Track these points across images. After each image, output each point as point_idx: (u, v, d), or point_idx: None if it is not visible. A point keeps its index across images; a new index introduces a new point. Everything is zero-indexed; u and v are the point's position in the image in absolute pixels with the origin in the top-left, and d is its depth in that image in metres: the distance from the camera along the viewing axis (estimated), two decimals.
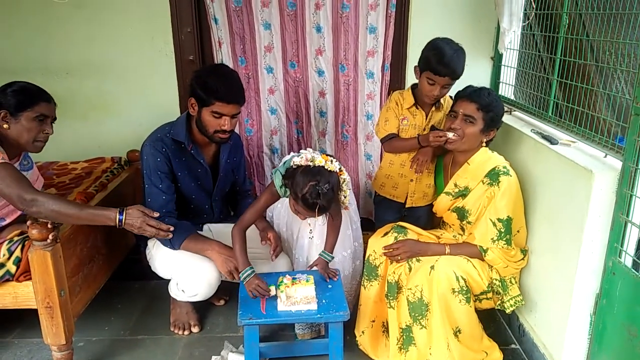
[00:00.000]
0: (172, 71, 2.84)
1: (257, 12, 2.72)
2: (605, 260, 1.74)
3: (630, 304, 1.60)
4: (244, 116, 2.92)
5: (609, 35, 1.89)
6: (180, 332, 2.37)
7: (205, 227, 2.44)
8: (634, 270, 1.60)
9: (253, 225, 2.26)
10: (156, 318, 2.48)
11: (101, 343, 2.32)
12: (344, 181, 1.99)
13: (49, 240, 1.82)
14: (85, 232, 2.15)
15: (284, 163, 2.02)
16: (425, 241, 2.21)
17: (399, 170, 2.40)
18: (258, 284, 2.00)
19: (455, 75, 2.15)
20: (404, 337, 2.08)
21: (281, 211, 2.35)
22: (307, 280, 1.97)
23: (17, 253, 1.89)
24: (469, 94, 2.09)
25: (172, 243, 2.14)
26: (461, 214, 2.16)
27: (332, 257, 2.17)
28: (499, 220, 2.05)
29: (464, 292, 1.98)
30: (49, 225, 1.82)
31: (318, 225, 2.22)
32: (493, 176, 2.06)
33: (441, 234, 2.30)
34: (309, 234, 2.23)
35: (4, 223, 2.00)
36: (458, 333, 2.01)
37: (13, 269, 1.89)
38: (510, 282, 2.13)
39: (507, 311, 2.12)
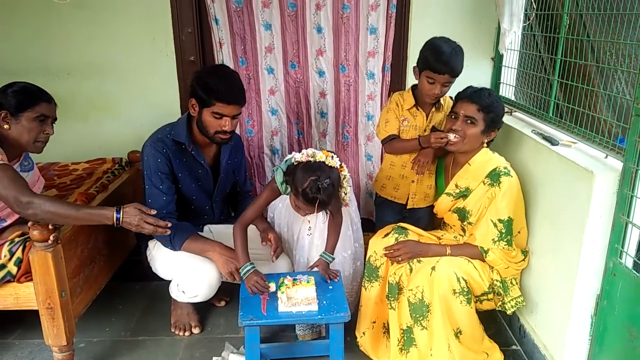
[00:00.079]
0: (173, 72, 2.84)
1: (257, 13, 2.72)
2: (606, 261, 1.74)
3: (631, 305, 1.60)
4: (245, 117, 2.92)
5: (610, 35, 1.89)
6: (181, 333, 2.37)
7: (206, 228, 2.44)
8: (634, 271, 1.60)
9: (254, 227, 2.27)
10: (157, 319, 2.48)
11: (102, 344, 2.32)
12: (345, 178, 2.00)
13: (50, 242, 1.82)
14: (86, 233, 2.15)
15: (286, 161, 2.03)
16: (426, 242, 2.21)
17: (400, 172, 2.40)
18: (257, 280, 2.01)
19: (455, 72, 2.15)
20: (405, 338, 2.08)
21: (282, 211, 2.35)
22: (308, 281, 1.97)
23: (19, 254, 1.89)
24: (470, 95, 2.09)
25: (173, 244, 2.14)
26: (462, 214, 2.16)
27: (333, 258, 2.17)
28: (500, 221, 2.05)
29: (464, 293, 1.98)
30: (50, 227, 1.82)
31: (318, 224, 2.22)
32: (494, 177, 2.06)
33: (442, 235, 2.30)
34: (308, 231, 2.23)
35: (5, 224, 2.00)
36: (459, 334, 2.01)
37: (14, 270, 1.89)
38: (511, 283, 2.13)
39: (508, 312, 2.12)
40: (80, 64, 2.83)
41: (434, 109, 2.33)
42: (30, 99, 1.93)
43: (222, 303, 2.60)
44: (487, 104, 2.06)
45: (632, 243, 1.65)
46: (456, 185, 2.17)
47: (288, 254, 2.35)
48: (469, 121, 2.07)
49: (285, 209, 2.32)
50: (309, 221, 2.18)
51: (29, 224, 1.86)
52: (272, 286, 2.01)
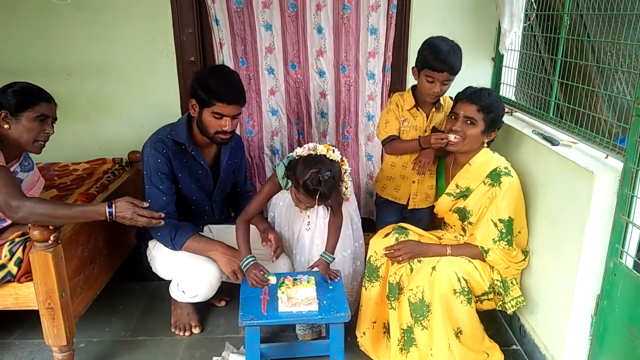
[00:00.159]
0: (173, 72, 2.84)
1: (258, 13, 2.72)
2: (606, 261, 1.74)
3: (631, 305, 1.60)
4: (245, 117, 2.92)
5: (610, 36, 1.89)
6: (181, 333, 2.37)
7: (206, 228, 2.44)
8: (635, 271, 1.60)
9: (254, 227, 2.27)
10: (157, 319, 2.48)
11: (102, 344, 2.32)
12: (345, 172, 2.02)
13: (50, 242, 1.82)
14: (87, 233, 2.15)
15: (288, 157, 2.05)
16: (426, 242, 2.21)
17: (401, 172, 2.40)
18: (255, 273, 2.03)
19: (454, 70, 2.15)
20: (405, 338, 2.08)
21: (283, 210, 2.35)
22: (308, 281, 1.97)
23: (19, 254, 1.89)
24: (469, 95, 2.09)
25: (174, 244, 2.15)
26: (462, 214, 2.16)
27: (333, 258, 2.17)
28: (500, 220, 2.05)
29: (465, 293, 1.98)
30: (51, 227, 1.82)
31: (319, 221, 2.22)
32: (494, 177, 2.06)
33: (442, 235, 2.30)
34: (307, 226, 2.23)
35: (5, 224, 2.00)
36: (459, 334, 2.01)
37: (14, 270, 1.89)
38: (512, 282, 2.13)
39: (509, 312, 2.12)
40: (81, 64, 2.83)
41: (434, 110, 2.33)
42: (30, 99, 1.93)
43: (222, 303, 2.60)
44: (486, 104, 2.06)
45: (633, 243, 1.65)
46: (457, 186, 2.17)
47: (288, 253, 2.35)
48: (468, 122, 2.07)
49: (286, 208, 2.32)
50: (308, 216, 2.19)
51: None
52: (273, 279, 2.03)
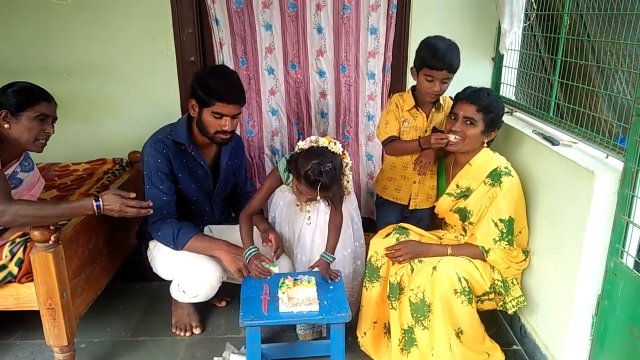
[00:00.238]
0: (174, 72, 2.84)
1: (258, 13, 2.72)
2: (606, 261, 1.74)
3: (632, 305, 1.60)
4: (245, 117, 2.92)
5: (610, 36, 1.89)
6: (182, 334, 2.37)
7: (206, 228, 2.44)
8: (635, 271, 1.60)
9: (255, 228, 2.27)
10: (158, 319, 2.48)
11: (103, 344, 2.32)
12: (347, 165, 2.04)
13: (51, 242, 1.82)
14: (87, 233, 2.15)
15: (290, 153, 2.07)
16: (427, 242, 2.21)
17: (402, 172, 2.40)
18: (256, 263, 2.05)
19: (452, 67, 2.15)
20: (406, 338, 2.08)
21: (283, 209, 2.36)
22: (309, 282, 1.97)
23: (20, 254, 1.89)
24: (469, 95, 2.09)
25: (176, 243, 2.15)
26: (463, 214, 2.16)
27: (334, 258, 2.17)
28: (501, 220, 2.05)
29: (466, 293, 1.98)
30: (51, 227, 1.82)
31: (320, 214, 2.22)
32: (495, 177, 2.06)
33: (443, 235, 2.30)
34: (307, 221, 2.24)
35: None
36: (460, 334, 2.01)
37: (15, 270, 1.89)
38: (512, 282, 2.13)
39: (509, 312, 2.12)
40: (81, 65, 2.83)
41: (434, 110, 2.33)
42: (30, 98, 1.93)
43: (223, 303, 2.60)
44: (486, 104, 2.05)
45: (633, 243, 1.66)
46: (457, 186, 2.17)
47: (289, 253, 2.35)
48: (468, 122, 2.07)
49: (287, 208, 2.33)
50: (308, 211, 2.21)
51: None
52: (275, 269, 2.05)
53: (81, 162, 2.76)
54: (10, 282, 1.92)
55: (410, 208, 2.44)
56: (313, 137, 2.02)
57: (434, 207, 2.36)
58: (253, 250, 2.10)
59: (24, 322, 2.38)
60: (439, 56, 2.11)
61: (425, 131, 2.32)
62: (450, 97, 2.30)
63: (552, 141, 2.03)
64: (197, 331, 2.39)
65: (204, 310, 2.50)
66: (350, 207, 2.34)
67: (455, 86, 2.20)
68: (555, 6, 2.27)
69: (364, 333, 2.23)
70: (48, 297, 1.88)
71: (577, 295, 1.82)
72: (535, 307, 2.15)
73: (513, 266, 2.09)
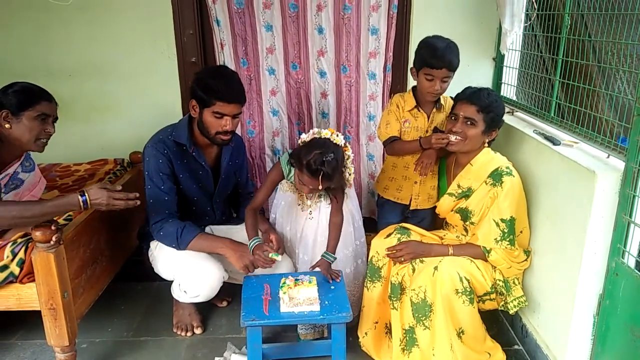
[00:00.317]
0: (175, 73, 2.84)
1: (258, 14, 2.73)
2: (608, 261, 1.73)
3: (633, 305, 1.60)
4: (246, 118, 2.93)
5: (611, 35, 1.89)
6: (183, 334, 2.38)
7: (207, 229, 2.44)
8: (636, 271, 1.60)
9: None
10: (159, 319, 2.49)
11: (104, 344, 2.33)
12: (349, 157, 2.07)
13: (52, 242, 1.82)
14: (89, 233, 2.15)
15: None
16: (428, 242, 2.21)
17: (403, 173, 2.40)
18: (259, 253, 2.07)
19: (452, 66, 2.15)
20: (407, 338, 2.08)
21: (285, 209, 2.36)
22: (310, 282, 1.97)
23: (21, 255, 1.89)
24: (469, 95, 2.09)
25: (179, 242, 2.15)
26: (464, 214, 2.16)
27: (335, 258, 2.17)
28: (502, 220, 2.04)
29: (467, 293, 1.97)
30: (53, 227, 1.83)
31: (322, 211, 2.23)
32: (496, 177, 2.06)
33: (444, 235, 2.30)
34: (309, 215, 2.25)
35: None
36: (461, 334, 2.01)
37: (17, 270, 1.89)
38: (514, 282, 2.13)
39: (511, 312, 2.12)
40: (82, 65, 2.84)
41: (434, 110, 2.33)
42: (30, 98, 1.94)
43: (224, 303, 2.60)
44: (486, 105, 2.05)
45: (635, 243, 1.65)
46: (458, 186, 2.17)
47: (290, 254, 2.35)
48: (468, 122, 2.07)
49: (289, 207, 2.33)
50: (309, 205, 2.23)
51: None
52: (278, 258, 2.07)
53: (82, 162, 2.76)
54: (11, 282, 1.92)
55: (412, 208, 2.44)
56: (315, 129, 2.05)
57: (435, 207, 2.36)
58: (256, 240, 2.13)
59: (26, 322, 2.39)
60: (438, 55, 2.11)
61: (426, 131, 2.32)
62: (451, 97, 2.30)
63: (553, 141, 2.03)
64: (198, 331, 2.39)
65: (205, 310, 2.50)
66: (351, 206, 2.34)
67: (457, 86, 2.20)
68: (556, 6, 2.27)
69: (365, 333, 2.23)
70: (49, 297, 1.88)
71: (578, 295, 1.82)
72: (536, 307, 2.15)
73: (514, 266, 2.09)
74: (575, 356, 1.90)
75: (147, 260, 2.38)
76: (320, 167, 1.91)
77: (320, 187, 1.98)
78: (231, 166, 2.39)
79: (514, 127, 2.33)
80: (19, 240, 1.93)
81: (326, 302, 1.96)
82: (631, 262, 1.64)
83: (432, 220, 2.48)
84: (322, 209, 2.25)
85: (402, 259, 2.12)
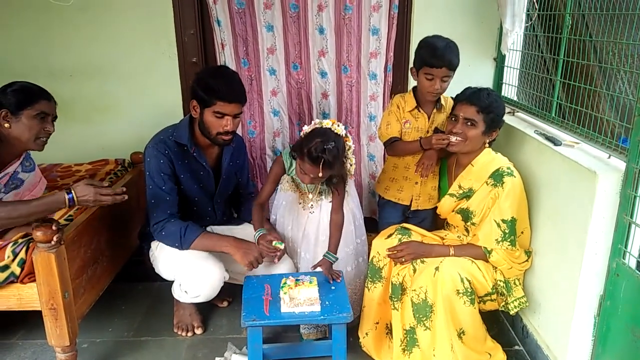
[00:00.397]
0: (175, 73, 2.84)
1: (259, 14, 2.73)
2: (609, 261, 1.73)
3: (634, 306, 1.60)
4: (247, 118, 2.93)
5: (612, 36, 1.89)
6: (184, 334, 2.38)
7: (208, 229, 2.44)
8: (637, 272, 1.60)
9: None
10: (160, 319, 2.49)
11: (105, 344, 2.33)
12: (349, 148, 2.09)
13: (53, 242, 1.82)
14: (89, 234, 2.15)
15: None
16: (429, 243, 2.21)
17: (404, 173, 2.39)
18: (262, 243, 2.10)
19: (452, 65, 2.15)
20: (408, 338, 2.08)
21: (286, 209, 2.36)
22: (311, 282, 1.97)
23: (22, 255, 1.89)
24: (468, 96, 2.09)
25: (182, 242, 2.15)
26: (465, 215, 2.16)
27: (336, 258, 2.17)
28: (503, 221, 2.04)
29: (468, 293, 1.97)
30: (54, 227, 1.83)
31: (323, 209, 2.24)
32: (497, 177, 2.06)
33: (445, 235, 2.30)
34: (310, 209, 2.26)
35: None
36: (462, 334, 2.01)
37: (17, 270, 1.90)
38: (514, 283, 2.13)
39: (511, 312, 2.12)
40: (83, 66, 2.84)
41: (435, 110, 2.33)
42: (29, 97, 1.94)
43: (225, 303, 2.60)
44: (486, 105, 2.05)
45: (635, 243, 1.65)
46: (459, 186, 2.17)
47: (291, 254, 2.35)
48: (469, 123, 2.07)
49: (290, 206, 2.33)
50: (310, 198, 2.24)
51: (33, 225, 1.87)
52: (281, 247, 2.10)
53: (83, 162, 2.76)
54: (12, 282, 1.92)
55: (412, 209, 2.44)
56: (317, 120, 2.07)
57: (436, 207, 2.36)
58: (261, 231, 2.16)
59: (26, 322, 2.39)
60: (438, 54, 2.11)
61: (427, 132, 2.32)
62: (452, 98, 2.30)
63: (554, 141, 2.03)
64: (198, 331, 2.39)
65: (205, 310, 2.50)
66: (352, 204, 2.35)
67: (458, 86, 2.20)
68: (557, 6, 2.27)
69: (366, 333, 2.23)
70: (50, 297, 1.88)
71: (579, 295, 1.82)
72: (537, 308, 2.15)
73: (515, 267, 2.09)
74: (575, 357, 1.89)
75: (147, 261, 2.38)
76: (321, 154, 1.92)
77: (320, 175, 1.99)
78: (232, 166, 2.39)
79: (515, 127, 2.33)
80: (20, 241, 1.93)
81: (327, 303, 1.96)
82: (632, 263, 1.64)
83: (432, 221, 2.48)
84: (324, 206, 2.25)
85: (403, 260, 2.12)
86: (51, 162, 2.71)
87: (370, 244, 2.31)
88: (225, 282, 2.24)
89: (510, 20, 2.37)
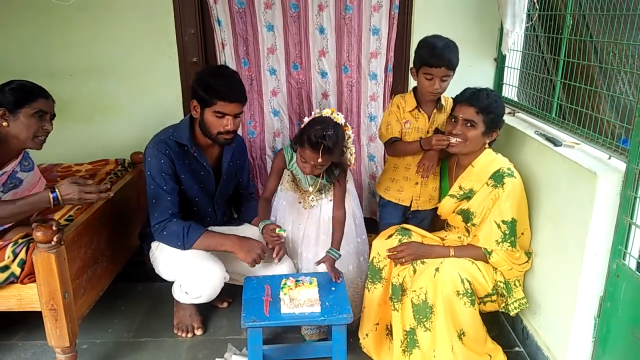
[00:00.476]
0: (176, 73, 2.84)
1: (260, 14, 2.73)
2: (609, 262, 1.73)
3: (634, 307, 1.60)
4: (247, 118, 2.93)
5: (613, 36, 1.89)
6: (184, 335, 2.38)
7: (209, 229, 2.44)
8: (637, 273, 1.60)
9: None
10: (160, 320, 2.49)
11: (105, 345, 2.33)
12: (349, 137, 2.12)
13: (53, 243, 1.82)
14: (90, 234, 2.15)
15: None
16: (429, 243, 2.20)
17: (404, 174, 2.39)
18: (265, 232, 2.14)
19: (451, 64, 2.15)
20: (408, 339, 2.07)
21: (286, 208, 2.36)
22: (311, 283, 1.97)
23: (22, 255, 1.89)
24: (468, 97, 2.08)
25: (185, 241, 2.15)
26: (466, 216, 2.15)
27: (340, 255, 2.18)
28: (504, 222, 2.04)
29: (468, 294, 1.97)
30: (54, 228, 1.83)
31: (324, 208, 2.23)
32: (497, 178, 2.06)
33: (445, 236, 2.29)
34: (313, 203, 2.28)
35: (6, 226, 2.00)
36: (462, 336, 2.01)
37: (17, 271, 1.90)
38: (515, 284, 2.13)
39: (511, 314, 2.12)
40: (83, 66, 2.84)
41: (435, 110, 2.33)
42: (27, 96, 1.94)
43: (225, 304, 2.60)
44: (485, 106, 2.05)
45: (636, 244, 1.65)
46: (460, 187, 2.17)
47: (292, 255, 2.35)
48: (468, 124, 2.06)
49: (290, 206, 2.33)
50: (312, 192, 2.26)
51: (33, 225, 1.87)
52: (284, 234, 2.14)
53: (83, 162, 2.76)
54: (12, 282, 1.92)
55: (413, 209, 2.43)
56: (316, 110, 2.11)
57: (436, 208, 2.36)
58: (266, 222, 2.19)
59: (26, 323, 2.39)
60: (437, 54, 2.11)
61: (427, 132, 2.32)
62: (452, 98, 2.30)
63: (555, 142, 2.03)
64: (199, 332, 2.39)
65: (205, 311, 2.50)
66: (352, 203, 2.35)
67: (458, 86, 2.20)
68: (558, 6, 2.27)
69: (366, 334, 2.23)
70: (50, 297, 1.88)
71: (579, 296, 1.82)
72: (537, 309, 2.15)
73: (515, 268, 2.09)
74: (576, 358, 1.89)
75: (148, 261, 2.38)
76: (321, 140, 1.95)
77: (320, 161, 2.00)
78: (232, 166, 2.39)
79: (515, 128, 2.33)
80: (20, 241, 1.93)
81: (327, 304, 1.96)
82: (632, 264, 1.64)
83: (432, 221, 2.47)
84: (324, 205, 2.25)
85: (403, 260, 2.12)
86: (51, 162, 2.72)
87: (370, 245, 2.31)
88: (225, 283, 2.24)
89: (511, 21, 2.37)
